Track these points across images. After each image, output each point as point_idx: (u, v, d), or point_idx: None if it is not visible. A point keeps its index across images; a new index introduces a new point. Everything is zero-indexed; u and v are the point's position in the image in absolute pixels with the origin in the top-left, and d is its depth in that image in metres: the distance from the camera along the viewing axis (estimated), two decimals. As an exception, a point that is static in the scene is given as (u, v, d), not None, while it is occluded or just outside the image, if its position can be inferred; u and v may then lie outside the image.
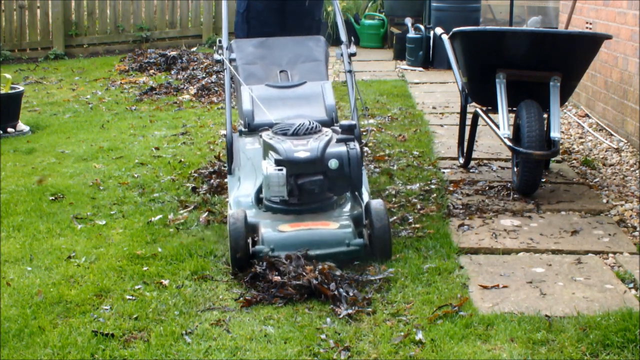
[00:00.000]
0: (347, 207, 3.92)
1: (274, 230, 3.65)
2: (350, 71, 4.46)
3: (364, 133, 4.96)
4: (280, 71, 4.53)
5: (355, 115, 4.30)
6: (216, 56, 4.42)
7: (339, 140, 3.80)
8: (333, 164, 3.69)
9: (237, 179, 4.18)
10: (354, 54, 4.53)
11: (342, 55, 4.52)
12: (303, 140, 3.79)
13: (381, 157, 5.65)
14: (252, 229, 3.69)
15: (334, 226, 3.67)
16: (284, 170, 3.67)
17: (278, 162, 3.71)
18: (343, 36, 4.62)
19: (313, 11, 5.26)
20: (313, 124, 3.89)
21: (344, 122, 3.87)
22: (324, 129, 3.92)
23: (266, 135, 3.91)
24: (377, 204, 3.70)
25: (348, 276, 3.54)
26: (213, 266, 3.81)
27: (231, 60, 4.44)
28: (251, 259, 3.59)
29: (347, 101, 6.28)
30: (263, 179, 3.76)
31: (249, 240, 3.60)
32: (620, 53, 6.18)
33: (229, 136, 4.23)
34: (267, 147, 3.86)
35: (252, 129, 4.24)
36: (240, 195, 4.03)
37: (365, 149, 4.78)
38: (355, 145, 3.75)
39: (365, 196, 3.97)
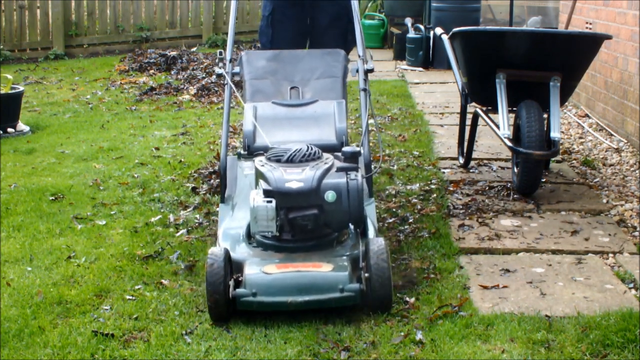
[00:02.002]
0: (348, 245, 3.45)
1: (259, 272, 3.20)
2: (365, 90, 3.93)
3: (375, 164, 4.34)
4: (291, 87, 4.09)
5: (366, 139, 3.79)
6: (217, 70, 4.00)
7: (339, 169, 3.34)
8: (330, 196, 3.23)
9: (231, 208, 3.74)
10: (371, 70, 4.01)
11: (357, 71, 4.02)
12: (298, 168, 3.32)
13: (381, 158, 5.65)
14: (237, 268, 3.28)
15: (327, 268, 3.21)
16: (274, 203, 3.22)
17: (267, 193, 3.25)
18: (360, 49, 4.12)
19: (347, 13, 4.64)
20: (312, 149, 3.43)
21: (347, 148, 3.42)
22: (325, 156, 3.46)
23: (258, 161, 3.45)
24: (377, 244, 3.22)
25: None
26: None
27: (234, 74, 4.07)
28: (233, 300, 3.18)
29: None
30: (250, 211, 3.27)
31: (232, 282, 3.19)
32: (620, 53, 6.18)
33: (223, 159, 3.78)
34: (258, 175, 3.42)
35: (252, 152, 3.78)
36: (230, 227, 3.58)
37: (374, 165, 4.27)
38: (356, 176, 3.29)
39: (371, 232, 3.48)
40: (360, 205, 3.29)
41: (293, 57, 4.21)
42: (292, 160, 3.36)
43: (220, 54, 4.02)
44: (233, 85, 3.95)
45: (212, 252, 3.21)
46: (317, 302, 3.16)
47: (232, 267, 3.25)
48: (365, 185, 3.55)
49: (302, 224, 3.30)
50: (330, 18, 4.69)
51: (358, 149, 3.42)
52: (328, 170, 3.33)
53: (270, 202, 3.23)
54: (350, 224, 3.39)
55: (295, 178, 3.26)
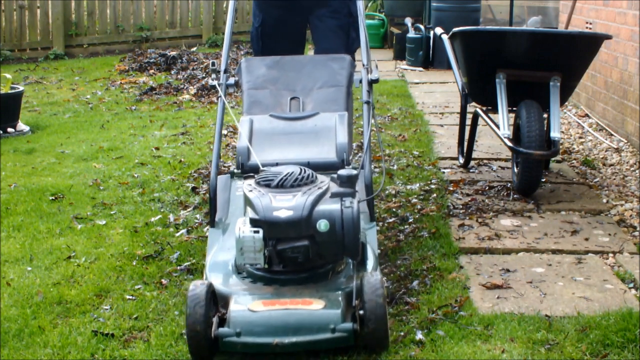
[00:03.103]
0: (345, 278, 3.11)
1: (244, 309, 2.90)
2: (368, 102, 3.62)
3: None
4: (292, 98, 3.78)
5: (367, 158, 3.45)
6: (210, 81, 3.73)
7: (334, 195, 2.99)
8: (322, 225, 2.90)
9: (221, 233, 3.40)
10: (376, 81, 3.70)
11: (360, 81, 3.73)
12: (288, 194, 2.98)
13: (381, 158, 5.65)
14: (225, 301, 2.98)
15: (318, 305, 2.90)
16: (261, 233, 2.91)
17: (254, 222, 2.92)
18: (365, 56, 3.81)
19: (346, 7, 4.45)
20: (305, 172, 3.09)
21: (343, 170, 3.05)
22: (320, 179, 3.11)
23: (247, 185, 3.11)
24: (373, 279, 2.90)
25: None
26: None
27: (228, 87, 3.77)
28: (216, 340, 2.87)
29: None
30: (235, 242, 2.96)
31: (215, 319, 2.89)
32: (620, 53, 6.18)
33: (212, 179, 3.45)
34: (246, 201, 3.10)
35: (247, 171, 3.39)
36: (219, 255, 3.25)
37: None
38: (352, 203, 2.94)
39: (370, 262, 3.17)
40: (356, 236, 2.94)
41: (296, 64, 3.93)
42: (282, 185, 3.03)
43: (213, 64, 3.74)
44: (226, 101, 3.65)
45: (192, 289, 2.88)
46: (306, 344, 2.86)
47: (218, 300, 2.98)
48: (366, 208, 3.34)
49: (291, 257, 2.98)
50: (328, 17, 4.48)
51: (355, 171, 3.06)
52: (322, 195, 2.99)
53: (257, 232, 2.92)
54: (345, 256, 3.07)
55: (285, 206, 2.93)
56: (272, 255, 2.98)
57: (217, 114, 3.64)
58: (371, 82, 3.70)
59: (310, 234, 2.93)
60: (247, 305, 2.91)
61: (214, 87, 3.70)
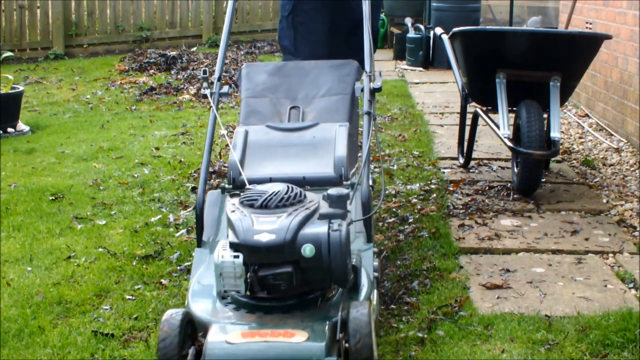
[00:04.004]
0: (334, 305, 2.81)
1: (222, 341, 2.67)
2: (369, 113, 3.30)
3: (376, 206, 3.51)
4: (292, 107, 3.57)
5: (365, 173, 3.13)
6: (203, 90, 3.45)
7: (322, 217, 2.73)
8: (307, 250, 2.64)
9: (208, 254, 3.12)
10: (378, 90, 3.41)
11: (362, 90, 3.42)
12: (272, 215, 2.72)
13: (381, 157, 5.65)
14: (204, 330, 2.74)
15: (300, 338, 2.65)
16: (241, 258, 2.68)
17: (234, 246, 2.69)
18: (368, 62, 3.50)
19: (373, 14, 4.11)
20: (292, 191, 2.81)
21: (332, 190, 2.78)
22: (309, 198, 2.83)
23: (231, 204, 2.85)
24: (359, 312, 2.61)
25: None
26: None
27: (222, 96, 3.50)
28: None
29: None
30: (214, 267, 2.74)
31: (192, 351, 2.67)
32: (620, 53, 6.18)
33: (200, 195, 3.21)
34: (227, 223, 2.85)
35: (239, 187, 3.17)
36: (204, 279, 2.99)
37: (375, 201, 3.59)
38: (340, 225, 2.68)
39: (364, 288, 2.88)
40: (344, 262, 2.67)
41: (299, 71, 3.72)
42: (266, 205, 2.75)
43: (205, 72, 3.42)
44: (218, 115, 3.35)
45: (166, 317, 2.64)
46: None
47: (198, 329, 2.75)
48: (363, 228, 3.08)
49: (273, 284, 2.72)
50: (355, 19, 4.25)
51: (346, 191, 2.78)
52: (308, 217, 2.73)
53: (238, 257, 2.68)
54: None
55: (267, 229, 2.67)
56: (254, 281, 2.72)
57: (208, 126, 3.35)
58: (373, 91, 3.41)
59: (294, 259, 2.67)
60: (225, 337, 2.67)
61: (205, 96, 3.44)
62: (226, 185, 3.25)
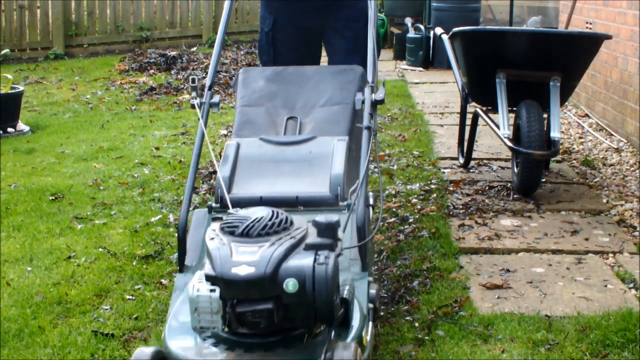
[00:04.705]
0: (321, 344, 2.51)
1: None
2: (369, 128, 3.02)
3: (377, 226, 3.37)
4: (289, 118, 3.29)
5: (362, 194, 2.82)
6: (192, 100, 3.16)
7: (308, 247, 2.44)
8: (290, 285, 2.36)
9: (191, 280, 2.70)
10: (381, 102, 3.16)
11: (363, 102, 3.14)
12: (253, 245, 2.44)
13: (381, 157, 5.65)
14: None
15: None
16: (217, 292, 2.41)
17: (210, 279, 2.42)
18: (371, 72, 3.23)
19: (364, 14, 3.82)
20: (278, 217, 2.52)
21: (320, 217, 2.49)
22: (297, 225, 2.54)
23: (211, 230, 2.56)
24: (344, 353, 2.36)
25: None
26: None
27: (212, 106, 3.21)
28: None
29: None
30: (189, 301, 2.48)
31: None
32: (620, 53, 6.18)
33: (182, 216, 2.90)
34: (206, 251, 2.57)
35: (227, 206, 2.86)
36: (183, 310, 2.68)
37: (376, 231, 3.31)
38: (327, 258, 2.39)
39: (355, 323, 2.58)
40: (329, 298, 2.40)
41: (299, 76, 3.44)
42: (248, 233, 2.46)
43: (193, 81, 3.12)
44: (205, 131, 3.07)
45: (135, 356, 2.44)
46: None
47: None
48: (358, 255, 2.79)
49: (252, 322, 2.45)
50: (345, 22, 4.00)
51: (335, 218, 2.49)
52: (293, 248, 2.45)
53: (214, 290, 2.42)
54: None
55: (246, 260, 2.39)
56: (231, 318, 2.45)
57: (196, 141, 3.05)
58: (375, 104, 3.13)
59: (276, 294, 2.39)
60: None
61: (194, 106, 3.15)
62: (213, 204, 2.98)
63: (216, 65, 3.33)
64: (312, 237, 2.48)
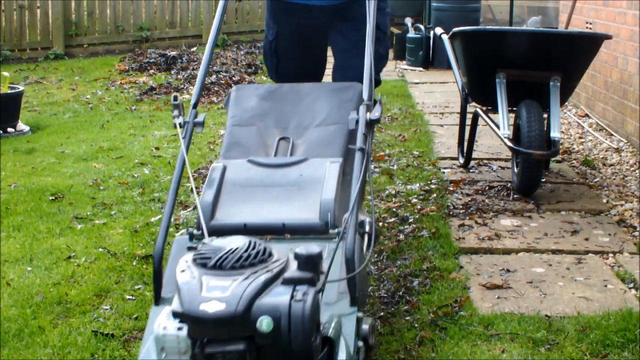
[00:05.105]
0: None
1: None
2: (362, 150, 2.63)
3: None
4: (281, 138, 3.07)
5: (352, 222, 2.48)
6: (174, 120, 2.86)
7: (286, 282, 2.19)
8: (264, 325, 2.12)
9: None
10: (376, 121, 2.72)
11: (357, 122, 2.72)
12: (226, 279, 2.18)
13: (381, 157, 5.65)
14: None
15: None
16: (185, 330, 2.18)
17: (178, 315, 2.18)
18: (366, 89, 2.80)
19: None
20: (255, 248, 2.25)
21: (301, 249, 2.20)
22: (276, 257, 2.25)
23: (183, 262, 2.32)
24: None
25: None
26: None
27: (196, 125, 2.89)
28: None
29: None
30: (155, 340, 2.25)
31: None
32: (620, 53, 6.18)
33: (158, 246, 2.66)
34: (176, 285, 2.31)
35: (209, 234, 2.64)
36: (153, 349, 2.34)
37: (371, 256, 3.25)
38: (305, 295, 2.15)
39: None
40: (306, 339, 2.16)
41: (294, 95, 3.22)
42: (221, 265, 2.20)
43: (175, 98, 2.83)
44: (185, 150, 2.72)
45: None
46: None
47: None
48: (346, 288, 2.49)
49: None
50: (352, 30, 3.81)
51: (317, 250, 2.21)
52: (269, 282, 2.19)
53: (182, 328, 2.19)
54: None
55: (216, 296, 2.14)
56: (200, 359, 2.19)
57: (177, 164, 2.74)
58: (371, 123, 2.73)
59: (248, 334, 2.15)
60: None
61: (179, 125, 2.86)
62: (195, 231, 2.73)
63: (203, 80, 3.02)
64: (292, 271, 2.22)
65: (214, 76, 8.95)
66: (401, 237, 4.15)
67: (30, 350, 3.08)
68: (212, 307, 2.12)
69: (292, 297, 2.14)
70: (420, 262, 3.82)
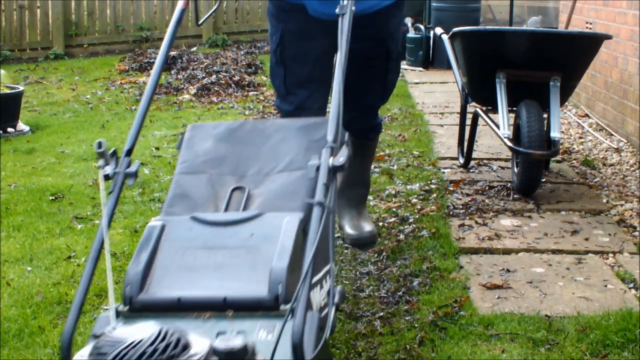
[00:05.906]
0: None
1: None
2: (320, 204, 2.10)
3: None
4: (235, 188, 2.50)
5: (303, 299, 1.92)
6: (101, 171, 2.38)
7: None
8: None
9: None
10: (340, 168, 2.17)
11: (317, 169, 2.19)
12: None
13: (381, 157, 5.65)
14: None
15: None
16: None
17: None
18: (333, 127, 2.26)
19: (389, 37, 3.47)
20: (163, 340, 1.77)
21: (222, 342, 1.75)
22: (193, 352, 1.78)
23: (79, 356, 1.91)
24: None
25: None
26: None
27: (127, 177, 2.47)
28: None
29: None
30: None
31: None
32: (620, 53, 6.18)
33: (66, 332, 2.09)
34: None
35: (138, 310, 2.15)
36: None
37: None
38: None
39: None
40: None
41: (258, 134, 2.65)
42: None
43: (100, 145, 2.30)
44: (106, 220, 2.35)
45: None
46: None
47: None
48: None
49: None
50: (363, 46, 3.37)
51: (239, 344, 1.75)
52: None
53: None
54: None
55: None
56: None
57: (95, 237, 2.31)
58: (334, 171, 2.19)
59: None
60: None
61: (108, 177, 2.39)
62: (120, 307, 2.19)
63: (141, 123, 2.52)
64: None
65: (214, 76, 8.95)
66: (401, 237, 4.15)
67: (30, 350, 3.08)
68: None
69: None
70: (420, 262, 3.82)
